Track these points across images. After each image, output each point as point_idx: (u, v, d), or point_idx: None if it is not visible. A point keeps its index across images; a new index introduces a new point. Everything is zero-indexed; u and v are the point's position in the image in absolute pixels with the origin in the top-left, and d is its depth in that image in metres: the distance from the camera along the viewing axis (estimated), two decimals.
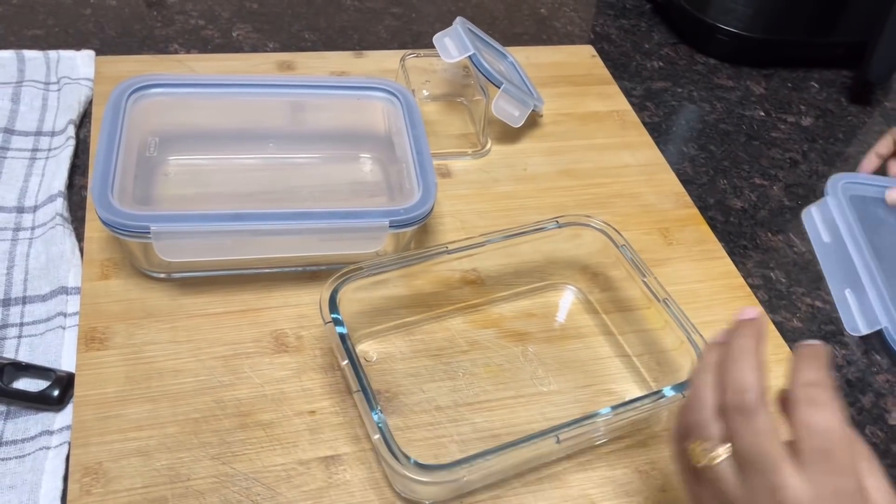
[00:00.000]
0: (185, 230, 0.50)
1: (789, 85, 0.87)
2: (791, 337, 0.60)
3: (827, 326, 0.62)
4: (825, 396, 0.33)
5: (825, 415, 0.33)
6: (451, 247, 0.53)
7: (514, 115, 0.68)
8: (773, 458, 0.33)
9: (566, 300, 0.59)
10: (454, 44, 0.66)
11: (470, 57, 0.65)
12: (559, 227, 0.55)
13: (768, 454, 0.33)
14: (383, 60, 0.77)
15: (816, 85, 0.88)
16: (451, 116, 0.73)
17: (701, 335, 0.50)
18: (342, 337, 0.47)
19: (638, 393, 0.53)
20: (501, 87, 0.66)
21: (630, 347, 0.55)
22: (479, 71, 0.66)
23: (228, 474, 0.45)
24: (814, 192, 0.74)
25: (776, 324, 0.60)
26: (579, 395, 0.53)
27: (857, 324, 0.53)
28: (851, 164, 0.78)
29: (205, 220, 0.50)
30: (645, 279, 0.53)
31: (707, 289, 0.61)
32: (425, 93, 0.73)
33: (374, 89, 0.63)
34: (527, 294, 0.59)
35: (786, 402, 0.35)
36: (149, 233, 0.49)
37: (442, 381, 0.52)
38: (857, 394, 0.57)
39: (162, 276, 0.55)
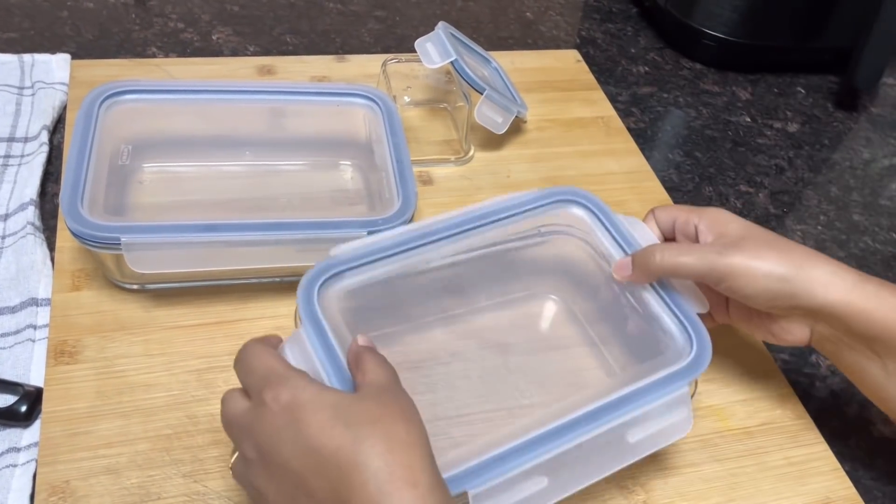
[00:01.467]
0: (156, 241, 0.49)
1: (775, 90, 0.87)
2: (775, 347, 0.59)
3: None
4: None
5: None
6: (430, 263, 0.51)
7: (497, 121, 0.68)
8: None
9: (549, 310, 0.58)
10: (436, 49, 0.65)
11: (452, 63, 0.64)
12: (542, 236, 0.55)
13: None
14: (366, 65, 0.76)
15: (802, 90, 0.88)
16: (434, 123, 0.72)
17: None
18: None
19: None
20: (484, 94, 0.65)
21: (613, 359, 0.55)
22: (462, 77, 0.65)
23: (200, 493, 0.44)
24: (799, 200, 0.74)
25: None
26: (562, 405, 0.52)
27: None
28: (837, 171, 0.78)
29: (176, 230, 0.49)
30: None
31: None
32: (407, 99, 0.72)
33: (355, 95, 0.62)
34: (509, 304, 0.58)
35: None
36: (119, 244, 0.48)
37: (421, 395, 0.51)
38: (841, 405, 0.57)
39: (135, 287, 0.54)
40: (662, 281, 0.49)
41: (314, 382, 0.36)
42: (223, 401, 0.39)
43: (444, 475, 0.37)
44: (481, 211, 0.51)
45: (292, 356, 0.40)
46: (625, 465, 0.42)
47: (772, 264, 0.45)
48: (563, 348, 0.55)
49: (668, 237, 0.51)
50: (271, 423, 0.35)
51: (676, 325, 0.47)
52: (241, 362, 0.38)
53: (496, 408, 0.51)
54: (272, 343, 0.41)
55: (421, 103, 0.73)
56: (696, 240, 0.49)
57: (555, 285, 0.58)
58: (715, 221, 0.48)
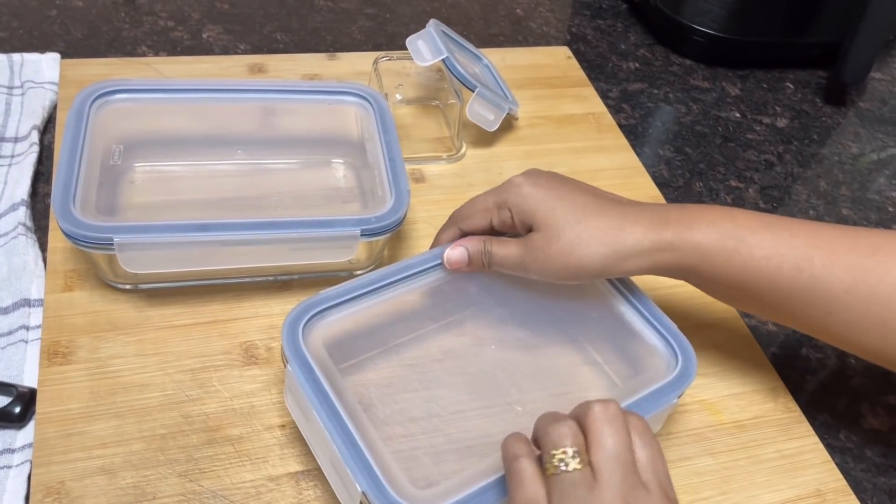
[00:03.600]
0: (149, 241, 0.48)
1: (764, 86, 0.87)
2: (766, 340, 0.59)
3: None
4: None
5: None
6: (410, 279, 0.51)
7: (488, 118, 0.68)
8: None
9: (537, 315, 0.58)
10: (427, 47, 0.66)
11: (443, 60, 0.64)
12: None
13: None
14: (357, 62, 0.76)
15: (791, 86, 0.88)
16: (426, 120, 0.72)
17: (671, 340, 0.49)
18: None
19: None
20: (476, 91, 0.65)
21: (599, 356, 0.55)
22: (453, 74, 0.65)
23: (196, 492, 0.44)
24: (788, 194, 0.74)
25: (751, 327, 0.60)
26: (554, 403, 0.52)
27: None
28: (826, 166, 0.78)
29: (169, 230, 0.48)
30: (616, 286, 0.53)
31: (682, 294, 0.61)
32: (398, 96, 0.72)
33: (347, 94, 0.62)
34: (501, 304, 0.58)
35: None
36: (112, 244, 0.48)
37: (415, 392, 0.51)
38: (831, 398, 0.57)
39: (128, 287, 0.53)
40: (638, 296, 0.51)
41: None
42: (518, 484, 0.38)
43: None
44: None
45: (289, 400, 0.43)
46: None
47: (582, 266, 0.47)
48: (552, 346, 0.55)
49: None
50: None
51: (659, 339, 0.50)
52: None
53: (490, 404, 0.51)
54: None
55: (413, 101, 0.73)
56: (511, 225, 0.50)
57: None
58: (524, 214, 0.48)
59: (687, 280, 0.48)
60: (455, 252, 0.50)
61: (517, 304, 0.55)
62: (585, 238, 0.46)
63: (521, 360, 0.54)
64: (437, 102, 0.73)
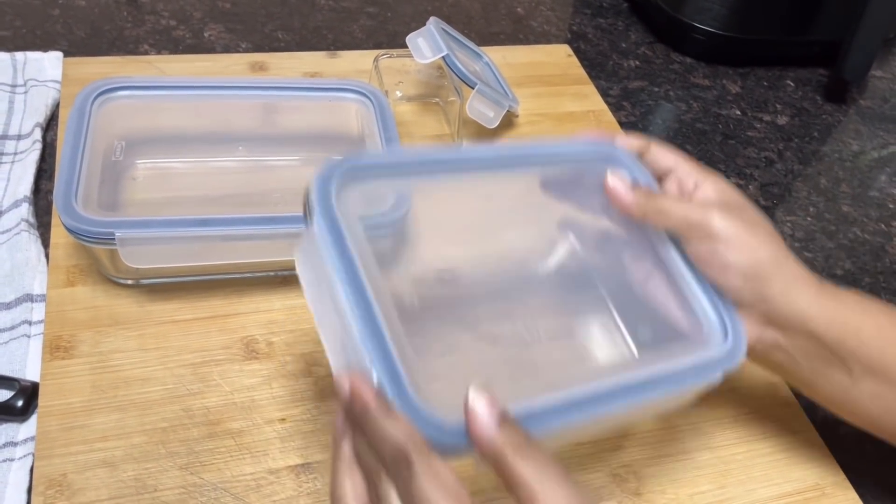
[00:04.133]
0: (150, 236, 0.49)
1: (765, 84, 0.88)
2: None
3: None
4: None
5: None
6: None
7: (488, 115, 0.68)
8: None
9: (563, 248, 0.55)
10: (427, 44, 0.66)
11: (443, 57, 0.65)
12: None
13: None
14: (358, 61, 0.77)
15: (792, 83, 0.88)
16: (426, 117, 0.72)
17: None
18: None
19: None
20: (476, 88, 0.66)
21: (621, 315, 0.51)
22: (453, 72, 0.65)
23: (197, 484, 0.44)
24: (789, 191, 0.74)
25: None
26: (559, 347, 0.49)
27: None
28: (826, 163, 0.79)
29: (170, 225, 0.49)
30: None
31: None
32: (399, 94, 0.72)
33: (347, 91, 0.62)
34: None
35: None
36: (114, 239, 0.48)
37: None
38: None
39: (129, 282, 0.54)
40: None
41: None
42: None
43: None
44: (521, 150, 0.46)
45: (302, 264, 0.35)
46: None
47: (763, 242, 0.43)
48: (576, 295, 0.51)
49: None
50: None
51: (711, 308, 0.43)
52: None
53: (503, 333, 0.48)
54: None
55: (413, 98, 0.73)
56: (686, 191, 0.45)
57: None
58: (717, 188, 0.45)
59: (822, 348, 0.44)
60: (623, 189, 0.44)
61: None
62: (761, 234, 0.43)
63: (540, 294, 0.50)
64: (438, 100, 0.74)
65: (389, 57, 0.71)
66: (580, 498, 0.30)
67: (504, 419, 0.31)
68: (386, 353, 0.33)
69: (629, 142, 0.48)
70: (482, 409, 0.31)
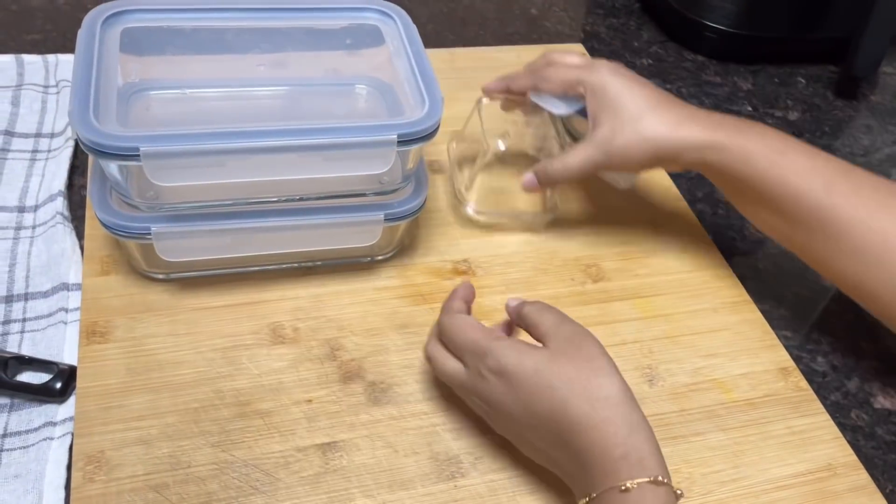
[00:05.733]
0: (185, 230, 0.51)
1: (776, 80, 0.89)
2: (778, 325, 0.61)
3: (813, 314, 0.63)
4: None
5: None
6: None
7: (617, 179, 0.63)
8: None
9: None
10: (559, 99, 0.59)
11: (577, 111, 0.58)
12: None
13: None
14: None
15: (803, 80, 0.90)
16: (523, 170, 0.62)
17: None
18: None
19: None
20: None
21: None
22: (568, 132, 0.62)
23: (228, 461, 0.46)
24: None
25: (763, 312, 0.61)
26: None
27: None
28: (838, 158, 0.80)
29: (204, 219, 0.51)
30: None
31: (695, 279, 0.62)
32: (501, 145, 0.62)
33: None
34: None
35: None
36: (149, 234, 0.50)
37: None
38: (842, 378, 0.58)
39: (160, 276, 0.56)
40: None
41: (512, 347, 0.44)
42: (432, 357, 0.48)
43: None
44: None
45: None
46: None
47: (640, 154, 0.54)
48: None
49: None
50: (491, 391, 0.44)
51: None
52: (447, 336, 0.47)
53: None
54: (464, 310, 0.49)
55: (514, 150, 0.63)
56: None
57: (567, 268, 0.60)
58: (597, 100, 0.55)
59: (722, 183, 0.56)
60: (527, 179, 0.59)
61: None
62: (650, 129, 0.53)
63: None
64: (539, 153, 0.63)
65: (491, 101, 0.64)
66: (561, 316, 0.46)
67: (520, 303, 0.49)
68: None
69: (519, 85, 0.61)
70: (512, 301, 0.50)
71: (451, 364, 0.47)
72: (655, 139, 0.53)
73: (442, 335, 0.48)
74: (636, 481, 0.39)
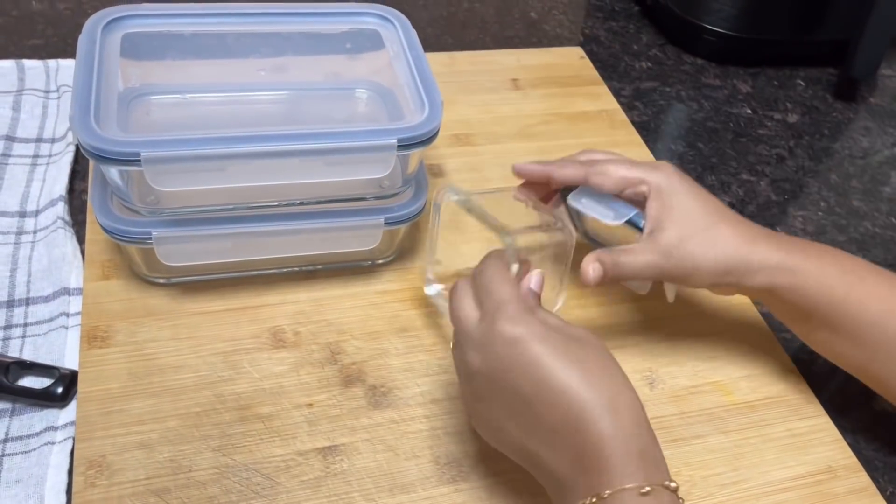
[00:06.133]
0: (186, 235, 0.51)
1: (775, 83, 0.89)
2: (778, 326, 0.61)
3: None
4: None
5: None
6: None
7: (634, 283, 0.56)
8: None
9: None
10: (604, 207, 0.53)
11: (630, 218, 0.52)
12: None
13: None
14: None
15: (802, 82, 0.90)
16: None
17: None
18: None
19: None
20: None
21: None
22: (591, 238, 0.56)
23: (229, 465, 0.47)
24: (800, 187, 0.76)
25: (763, 314, 0.61)
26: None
27: None
28: (837, 159, 0.80)
29: (205, 224, 0.51)
30: None
31: None
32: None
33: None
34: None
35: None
36: (150, 238, 0.50)
37: (437, 376, 0.53)
38: (842, 380, 0.58)
39: (161, 280, 0.56)
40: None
41: (541, 323, 0.40)
42: (453, 291, 0.44)
43: None
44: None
45: None
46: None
47: (711, 265, 0.48)
48: None
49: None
50: (501, 350, 0.40)
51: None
52: (481, 278, 0.43)
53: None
54: (509, 263, 0.45)
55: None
56: (643, 204, 0.51)
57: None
58: (662, 203, 0.50)
59: (787, 308, 0.51)
60: (595, 269, 0.48)
61: None
62: (723, 240, 0.49)
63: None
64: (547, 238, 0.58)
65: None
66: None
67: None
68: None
69: (566, 174, 0.52)
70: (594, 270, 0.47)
71: (468, 306, 0.43)
72: (727, 252, 0.48)
73: (477, 275, 0.44)
74: (654, 485, 0.36)
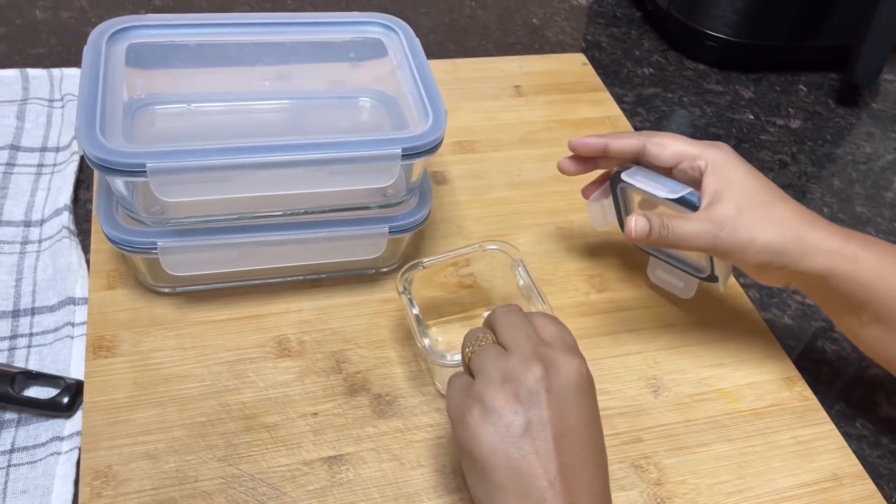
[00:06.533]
0: (191, 245, 0.51)
1: (777, 88, 0.89)
2: (782, 333, 0.61)
3: (816, 323, 0.63)
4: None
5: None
6: None
7: (678, 285, 0.60)
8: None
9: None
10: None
11: (683, 196, 0.52)
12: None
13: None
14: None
15: (804, 88, 0.90)
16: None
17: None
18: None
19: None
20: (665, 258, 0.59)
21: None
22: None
23: (235, 475, 0.47)
24: (803, 193, 0.76)
25: (767, 321, 0.61)
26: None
27: None
28: (840, 165, 0.80)
29: (210, 234, 0.51)
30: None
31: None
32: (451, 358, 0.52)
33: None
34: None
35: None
36: (155, 248, 0.51)
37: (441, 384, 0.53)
38: (847, 388, 0.58)
39: (166, 290, 0.56)
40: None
41: (542, 407, 0.39)
42: (475, 334, 0.44)
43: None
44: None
45: None
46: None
47: (768, 240, 0.48)
48: None
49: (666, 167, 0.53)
50: (531, 402, 0.39)
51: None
52: (509, 323, 0.43)
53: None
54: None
55: None
56: (698, 180, 0.51)
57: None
58: (720, 177, 0.49)
59: (837, 298, 0.49)
60: (640, 222, 0.48)
61: None
62: (777, 217, 0.48)
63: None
64: None
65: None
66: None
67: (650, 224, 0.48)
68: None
69: (623, 144, 0.53)
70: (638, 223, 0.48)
71: (495, 350, 0.42)
72: (784, 230, 0.47)
73: (500, 319, 0.43)
74: None
